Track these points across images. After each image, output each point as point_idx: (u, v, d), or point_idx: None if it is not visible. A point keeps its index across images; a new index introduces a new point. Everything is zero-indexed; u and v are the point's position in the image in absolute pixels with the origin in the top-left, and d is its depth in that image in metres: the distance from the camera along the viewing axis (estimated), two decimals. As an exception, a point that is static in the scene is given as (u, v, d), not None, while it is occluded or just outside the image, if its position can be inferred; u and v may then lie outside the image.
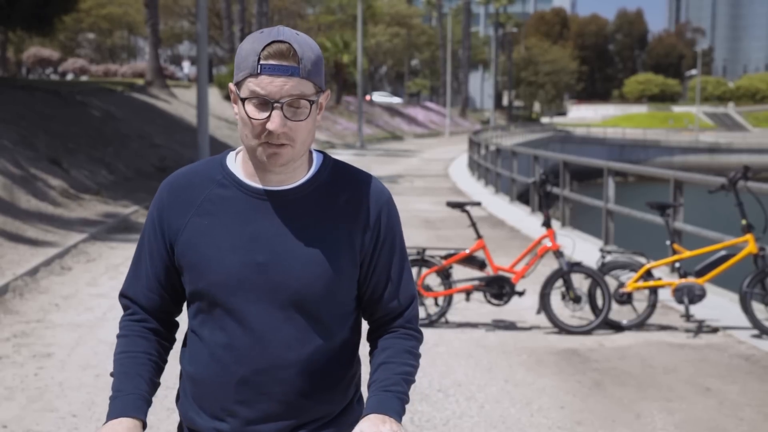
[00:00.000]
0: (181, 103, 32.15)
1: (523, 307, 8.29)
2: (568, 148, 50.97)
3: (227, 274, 1.97)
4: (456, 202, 8.14)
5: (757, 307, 7.52)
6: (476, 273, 8.03)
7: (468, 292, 7.76)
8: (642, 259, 7.99)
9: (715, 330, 7.71)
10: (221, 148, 21.76)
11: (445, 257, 7.77)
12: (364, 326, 2.16)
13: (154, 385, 2.06)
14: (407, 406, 2.05)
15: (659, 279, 7.89)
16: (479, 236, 7.97)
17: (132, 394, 1.99)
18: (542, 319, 7.80)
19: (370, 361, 2.10)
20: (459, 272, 8.28)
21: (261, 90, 1.89)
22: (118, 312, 2.24)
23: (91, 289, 9.08)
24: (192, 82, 42.00)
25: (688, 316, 7.76)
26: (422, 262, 7.73)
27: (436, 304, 7.78)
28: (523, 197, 19.93)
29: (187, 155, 22.92)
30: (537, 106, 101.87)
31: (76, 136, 19.40)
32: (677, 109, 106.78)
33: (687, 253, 7.99)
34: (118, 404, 1.97)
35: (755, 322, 7.42)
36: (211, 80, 36.95)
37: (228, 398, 2.00)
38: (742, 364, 6.73)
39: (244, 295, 1.97)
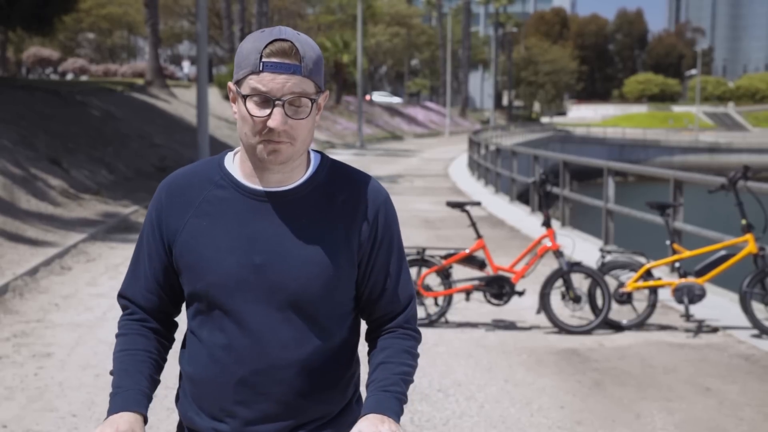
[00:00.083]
0: (181, 103, 32.15)
1: (523, 307, 8.29)
2: (567, 148, 50.97)
3: (225, 275, 1.97)
4: (456, 201, 8.14)
5: (757, 307, 7.51)
6: (476, 273, 8.03)
7: (468, 292, 7.75)
8: (642, 259, 7.99)
9: (715, 330, 7.71)
10: (221, 148, 21.77)
11: (445, 257, 7.77)
12: (363, 326, 2.16)
13: (155, 382, 2.06)
14: (407, 406, 2.06)
15: (659, 279, 7.89)
16: (479, 236, 7.97)
17: (132, 389, 1.99)
18: (542, 319, 7.80)
19: (369, 361, 2.10)
20: (459, 272, 8.28)
21: (263, 87, 1.89)
22: (118, 312, 2.23)
23: (91, 289, 9.08)
24: (192, 82, 42.01)
25: (688, 316, 7.76)
26: (422, 261, 7.73)
27: (436, 303, 7.78)
28: (523, 197, 19.93)
29: (187, 155, 22.91)
30: (537, 106, 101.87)
31: (76, 136, 19.40)
32: (677, 108, 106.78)
33: (687, 253, 7.99)
34: (119, 400, 1.97)
35: (755, 322, 7.42)
36: (211, 80, 36.95)
37: (227, 399, 2.00)
38: (742, 363, 6.73)
39: (243, 296, 1.97)
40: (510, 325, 7.82)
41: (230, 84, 1.98)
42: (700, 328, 7.69)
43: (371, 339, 2.14)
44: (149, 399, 2.02)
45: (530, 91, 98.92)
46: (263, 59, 1.89)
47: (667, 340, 7.40)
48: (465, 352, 6.94)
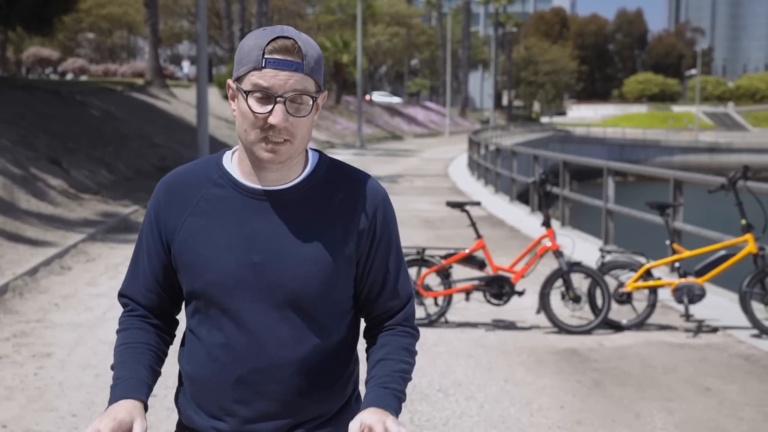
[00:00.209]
0: (180, 103, 32.15)
1: (522, 307, 8.29)
2: (567, 148, 50.97)
3: (223, 273, 1.97)
4: (456, 201, 8.14)
5: (757, 307, 7.51)
6: (476, 273, 8.03)
7: (468, 292, 7.75)
8: (642, 259, 7.99)
9: (714, 330, 7.71)
10: (221, 147, 21.63)
11: (445, 257, 7.77)
12: (362, 325, 2.16)
13: (155, 372, 2.06)
14: (406, 406, 2.06)
15: (659, 279, 7.89)
16: (479, 236, 7.97)
17: (131, 378, 1.99)
18: (542, 319, 7.80)
19: (368, 358, 2.10)
20: (459, 272, 8.28)
21: (264, 83, 1.89)
22: (118, 312, 2.24)
23: (91, 289, 9.08)
24: (192, 82, 42.01)
25: (687, 316, 7.76)
26: (422, 261, 7.73)
27: (436, 303, 7.78)
28: (522, 197, 19.93)
29: (187, 155, 22.91)
30: (537, 106, 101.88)
31: (75, 135, 19.40)
32: (677, 108, 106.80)
33: (687, 253, 7.99)
34: (118, 390, 1.97)
35: (755, 322, 7.42)
36: (210, 80, 36.94)
37: (226, 397, 2.00)
38: (742, 363, 6.73)
39: (241, 295, 1.97)
40: (510, 325, 7.82)
41: (230, 81, 1.97)
42: (700, 328, 7.69)
43: (370, 336, 2.14)
44: (149, 387, 2.02)
45: (530, 91, 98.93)
46: (266, 55, 1.89)
47: (667, 340, 7.40)
48: (465, 352, 6.94)
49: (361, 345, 2.13)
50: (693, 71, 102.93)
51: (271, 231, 1.98)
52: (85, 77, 48.31)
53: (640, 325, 7.70)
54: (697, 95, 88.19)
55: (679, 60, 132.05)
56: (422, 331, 7.12)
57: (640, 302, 7.91)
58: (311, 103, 1.93)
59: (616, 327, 7.68)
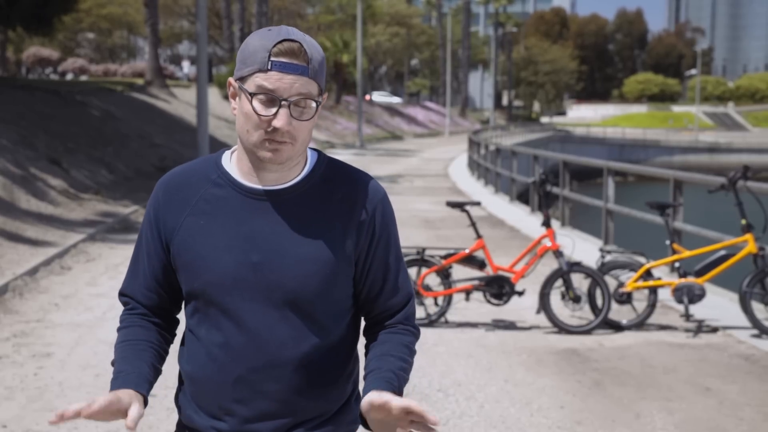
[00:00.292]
0: (180, 103, 32.15)
1: (522, 307, 8.29)
2: (567, 148, 50.97)
3: (222, 273, 1.97)
4: (456, 201, 8.14)
5: (757, 307, 7.51)
6: (476, 273, 8.03)
7: (468, 292, 7.75)
8: (642, 259, 7.99)
9: (714, 330, 7.71)
10: (221, 147, 21.63)
11: (445, 257, 7.77)
12: (362, 325, 2.16)
13: (156, 370, 2.06)
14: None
15: (659, 279, 7.89)
16: (479, 236, 7.97)
17: (132, 373, 1.99)
18: (542, 319, 7.80)
19: (367, 353, 2.09)
20: (459, 272, 8.28)
21: (270, 85, 1.89)
22: (118, 311, 2.24)
23: (91, 289, 9.08)
24: (192, 82, 42.01)
25: (687, 316, 7.76)
26: (422, 261, 7.73)
27: (436, 303, 7.78)
28: (522, 197, 19.93)
29: (187, 155, 22.90)
30: (537, 106, 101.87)
31: (75, 135, 19.40)
32: (677, 108, 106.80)
33: (687, 253, 7.99)
34: (119, 382, 1.97)
35: (755, 322, 7.42)
36: (210, 80, 36.95)
37: (225, 397, 2.00)
38: (742, 363, 6.73)
39: (240, 295, 1.97)
40: (510, 325, 7.82)
41: (231, 80, 1.97)
42: (700, 328, 7.69)
43: (370, 334, 2.14)
44: (150, 384, 2.01)
45: (530, 91, 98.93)
46: (272, 58, 1.89)
47: (667, 340, 7.40)
48: (465, 352, 6.94)
49: (361, 344, 2.13)
50: (693, 71, 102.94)
51: (270, 230, 1.98)
52: (85, 77, 48.31)
53: (640, 325, 7.70)
54: (697, 95, 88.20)
55: (679, 60, 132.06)
56: (422, 331, 7.11)
57: (640, 302, 7.91)
58: (314, 106, 1.94)
59: (616, 327, 7.68)
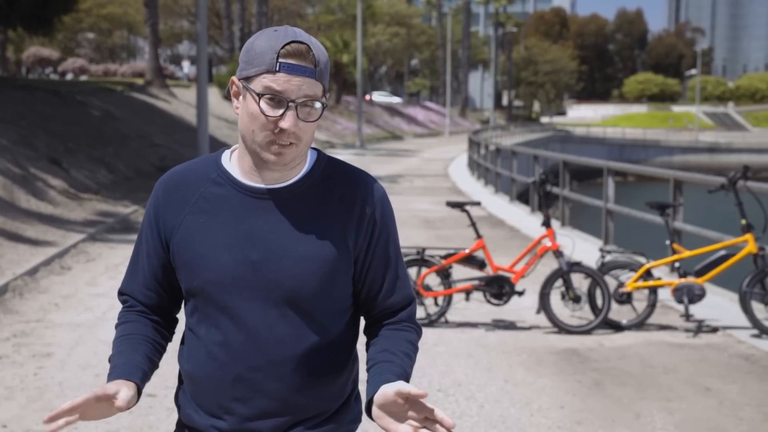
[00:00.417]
0: (180, 103, 32.15)
1: (522, 307, 8.29)
2: (567, 148, 50.98)
3: (222, 272, 1.98)
4: (456, 201, 8.14)
5: (757, 307, 7.51)
6: (476, 273, 8.03)
7: (468, 292, 7.75)
8: (642, 259, 7.99)
9: (714, 330, 7.71)
10: (221, 147, 21.73)
11: (445, 257, 7.77)
12: (362, 324, 2.16)
13: (152, 362, 2.06)
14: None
15: (659, 279, 7.89)
16: (479, 236, 7.97)
17: (126, 364, 1.99)
18: (542, 319, 7.80)
19: (369, 348, 2.09)
20: (459, 272, 8.28)
21: (277, 87, 1.89)
22: (118, 311, 2.23)
23: (91, 289, 9.08)
24: (192, 82, 42.01)
25: (687, 316, 7.76)
26: (422, 261, 7.73)
27: (436, 303, 7.78)
28: (522, 197, 19.93)
29: (187, 155, 22.91)
30: (537, 106, 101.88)
31: (75, 135, 19.40)
32: (677, 108, 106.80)
33: (687, 253, 7.99)
34: (112, 376, 1.97)
35: (755, 322, 7.42)
36: (210, 80, 36.94)
37: (225, 396, 2.00)
38: (742, 363, 6.73)
39: (239, 293, 1.97)
40: (510, 325, 7.82)
41: (234, 78, 1.97)
42: (700, 328, 7.69)
43: (371, 332, 2.13)
44: (144, 373, 2.01)
45: (530, 91, 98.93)
46: (280, 59, 1.89)
47: (667, 340, 7.40)
48: (465, 352, 6.94)
49: (361, 343, 2.13)
50: (693, 71, 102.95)
51: (270, 229, 1.98)
52: (85, 77, 48.31)
53: (640, 325, 7.70)
54: (697, 95, 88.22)
55: (679, 60, 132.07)
56: (422, 331, 7.12)
57: (640, 302, 7.91)
58: (320, 107, 1.94)
59: (616, 327, 7.68)
